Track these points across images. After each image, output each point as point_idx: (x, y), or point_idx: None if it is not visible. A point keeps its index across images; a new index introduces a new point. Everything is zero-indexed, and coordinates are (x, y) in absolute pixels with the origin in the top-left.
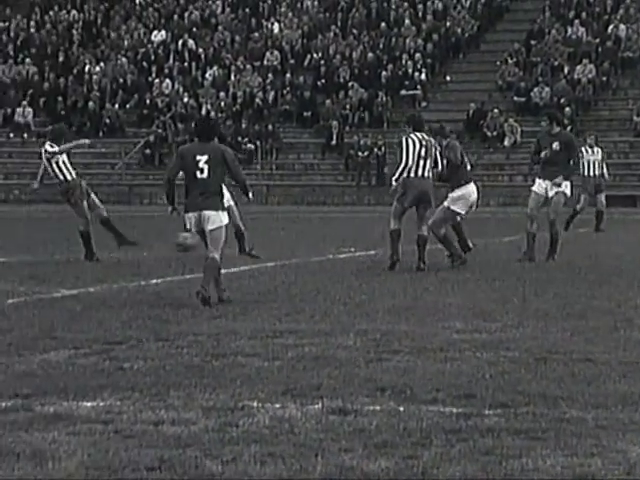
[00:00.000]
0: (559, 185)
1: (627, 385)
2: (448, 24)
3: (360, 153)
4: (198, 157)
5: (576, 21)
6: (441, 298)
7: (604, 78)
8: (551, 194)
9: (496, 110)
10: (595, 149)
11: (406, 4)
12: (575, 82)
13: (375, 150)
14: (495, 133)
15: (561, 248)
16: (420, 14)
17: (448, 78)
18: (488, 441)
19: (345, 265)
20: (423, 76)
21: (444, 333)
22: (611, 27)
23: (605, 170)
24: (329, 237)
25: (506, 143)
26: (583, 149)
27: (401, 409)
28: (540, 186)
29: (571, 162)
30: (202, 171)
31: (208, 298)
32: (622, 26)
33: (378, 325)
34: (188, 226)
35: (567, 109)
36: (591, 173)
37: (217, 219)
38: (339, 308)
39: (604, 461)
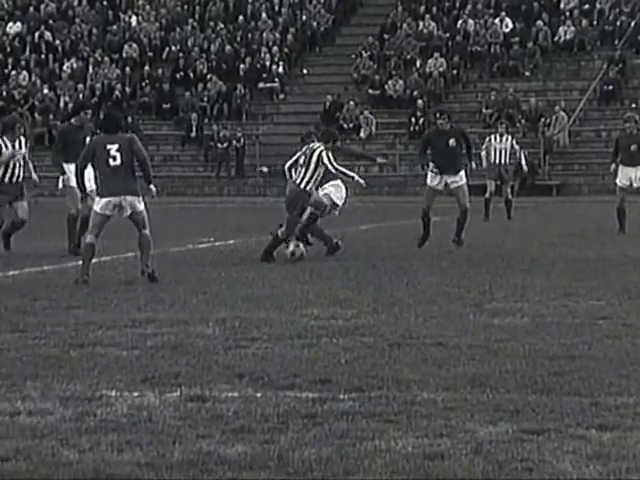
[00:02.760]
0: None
1: (475, 368)
2: (304, 18)
3: (219, 145)
4: (109, 146)
5: (427, 16)
6: (299, 286)
7: (454, 71)
8: (453, 186)
9: (352, 102)
10: (505, 137)
11: None
12: (427, 75)
13: (234, 142)
14: (351, 125)
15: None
16: (276, 8)
17: (305, 71)
18: (343, 424)
19: (204, 255)
20: (281, 69)
21: (301, 320)
22: (460, 22)
23: (515, 159)
24: (189, 227)
25: (362, 134)
26: (492, 137)
27: (258, 395)
28: (436, 180)
29: (468, 152)
30: (115, 159)
31: (153, 273)
32: (470, 21)
33: (236, 313)
34: (100, 210)
35: (419, 102)
36: (497, 161)
37: (138, 203)
38: (198, 297)
39: (453, 441)
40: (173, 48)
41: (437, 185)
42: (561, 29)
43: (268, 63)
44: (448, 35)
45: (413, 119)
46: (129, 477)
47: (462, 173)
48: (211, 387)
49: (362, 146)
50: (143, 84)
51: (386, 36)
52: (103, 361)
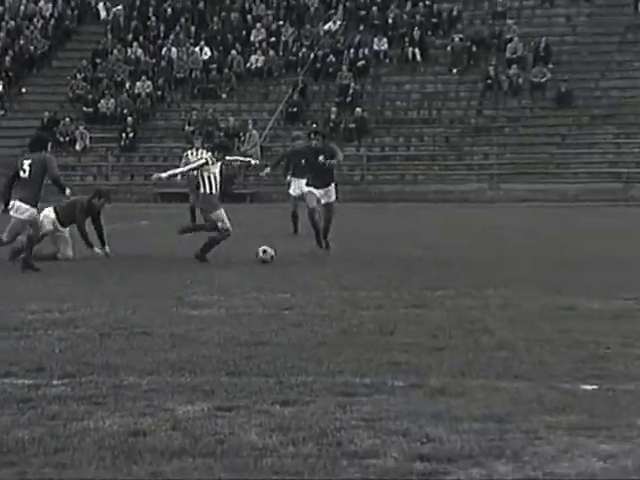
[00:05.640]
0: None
1: (176, 354)
2: (22, 42)
3: None
4: (24, 161)
5: (135, 43)
6: (17, 283)
7: (160, 93)
8: (324, 201)
9: (67, 119)
10: (200, 151)
11: None
12: (135, 95)
13: None
14: (67, 139)
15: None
16: None
17: (24, 90)
18: (55, 407)
19: None
20: (0, 88)
21: (19, 314)
22: (165, 49)
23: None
24: None
25: (77, 147)
26: (190, 152)
27: None
28: (316, 191)
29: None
30: (25, 172)
31: (32, 264)
32: (174, 49)
33: None
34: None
35: (129, 119)
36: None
37: (22, 209)
38: None
39: (154, 419)
40: None
41: (316, 193)
42: (252, 58)
43: None
44: (154, 61)
45: (123, 134)
46: None
47: (332, 188)
48: None
49: (77, 159)
50: None
51: (98, 60)
52: None
